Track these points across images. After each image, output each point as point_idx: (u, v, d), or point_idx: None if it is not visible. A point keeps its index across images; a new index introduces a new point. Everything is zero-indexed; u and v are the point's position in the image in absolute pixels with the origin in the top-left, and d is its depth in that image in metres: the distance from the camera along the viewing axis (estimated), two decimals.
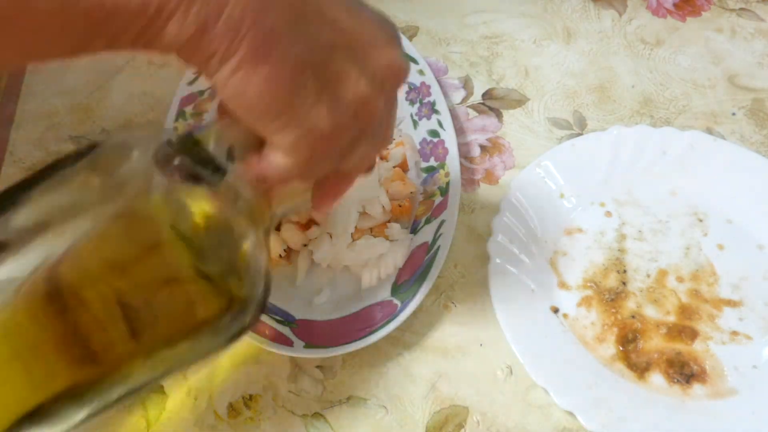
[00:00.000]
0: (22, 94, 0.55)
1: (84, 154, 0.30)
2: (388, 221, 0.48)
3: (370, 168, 0.35)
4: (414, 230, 0.47)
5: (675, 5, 0.62)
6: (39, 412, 0.28)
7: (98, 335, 0.28)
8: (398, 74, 0.31)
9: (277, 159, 0.29)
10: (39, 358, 0.28)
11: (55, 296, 0.27)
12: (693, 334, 0.44)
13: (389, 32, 0.30)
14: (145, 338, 0.29)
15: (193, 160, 0.30)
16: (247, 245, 0.31)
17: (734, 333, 0.44)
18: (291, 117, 0.28)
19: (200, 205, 0.30)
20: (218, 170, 0.30)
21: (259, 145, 0.30)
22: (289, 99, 0.27)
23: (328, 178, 0.34)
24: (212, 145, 0.30)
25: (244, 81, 0.26)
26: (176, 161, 0.29)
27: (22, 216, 0.28)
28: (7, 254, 0.27)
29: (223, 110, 0.32)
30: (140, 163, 0.29)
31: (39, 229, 0.27)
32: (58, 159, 0.30)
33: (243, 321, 0.32)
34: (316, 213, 0.36)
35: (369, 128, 0.31)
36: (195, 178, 0.30)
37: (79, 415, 0.29)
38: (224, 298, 0.31)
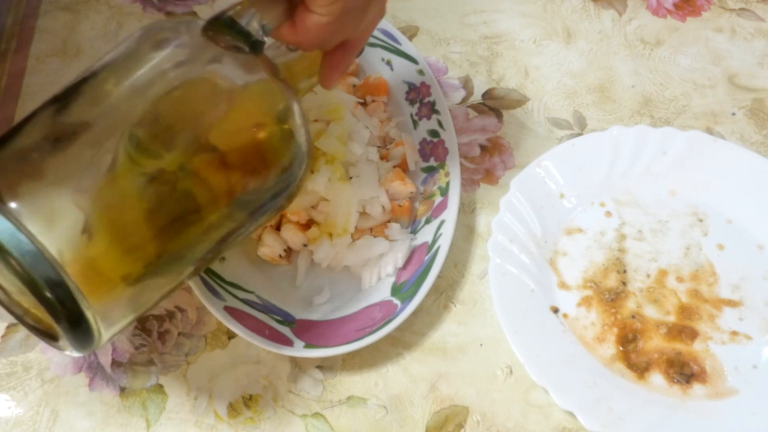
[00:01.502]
0: (22, 94, 0.55)
1: (134, 39, 0.34)
2: (388, 221, 0.48)
3: (362, 48, 0.39)
4: (414, 230, 0.47)
5: (675, 5, 0.62)
6: (159, 263, 0.32)
7: (193, 187, 0.33)
8: None
9: (312, 18, 0.33)
10: (153, 218, 0.31)
11: (149, 154, 0.31)
12: (693, 334, 0.44)
13: None
14: (234, 181, 0.34)
15: (232, 36, 0.34)
16: (293, 107, 0.36)
17: (734, 333, 0.44)
18: None
19: (251, 73, 0.35)
20: (255, 46, 0.34)
21: (288, 18, 0.34)
22: None
23: (336, 50, 0.38)
24: (247, 21, 0.34)
25: None
26: (220, 38, 0.34)
27: (99, 94, 0.32)
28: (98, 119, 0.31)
29: None
30: (193, 36, 0.34)
31: (119, 99, 0.32)
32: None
33: (301, 167, 0.36)
34: (325, 85, 0.40)
35: None
36: (238, 50, 0.34)
37: (189, 267, 0.34)
38: (288, 145, 0.35)
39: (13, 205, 0.28)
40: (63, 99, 0.32)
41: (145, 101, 0.32)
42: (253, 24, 0.34)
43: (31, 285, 0.28)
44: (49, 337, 0.32)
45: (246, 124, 0.34)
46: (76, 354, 0.33)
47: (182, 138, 0.32)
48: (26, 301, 0.32)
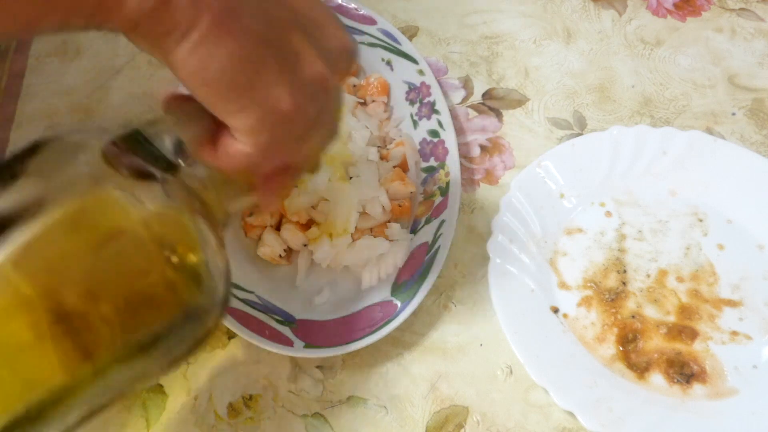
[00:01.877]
0: (22, 94, 0.55)
1: (25, 155, 0.28)
2: (388, 221, 0.48)
3: (315, 167, 0.34)
4: (414, 230, 0.47)
5: (675, 5, 0.62)
6: (29, 416, 0.26)
7: (65, 339, 0.27)
8: (350, 54, 0.31)
9: (234, 145, 0.28)
10: (24, 358, 0.26)
11: (19, 299, 0.26)
12: (693, 334, 0.44)
13: (334, 14, 0.31)
14: (111, 343, 0.28)
15: (142, 157, 0.29)
16: (206, 245, 0.30)
17: (734, 333, 0.44)
18: (252, 97, 0.27)
19: (154, 204, 0.29)
20: (170, 167, 0.29)
21: (208, 138, 0.29)
22: (251, 77, 0.26)
23: (275, 174, 0.32)
24: (161, 141, 0.29)
25: (206, 56, 0.25)
26: (126, 159, 0.28)
27: None
28: None
29: (168, 105, 0.31)
30: (89, 163, 0.28)
31: None
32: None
33: (206, 324, 0.31)
34: (264, 208, 0.35)
35: (324, 111, 0.30)
36: (146, 176, 0.29)
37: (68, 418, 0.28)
38: (185, 300, 0.29)
39: None
40: None
41: (23, 234, 0.26)
42: (168, 142, 0.29)
43: None
44: None
45: (139, 266, 0.28)
46: None
47: (64, 280, 0.27)
48: None
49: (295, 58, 0.28)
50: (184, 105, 0.30)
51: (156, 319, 0.29)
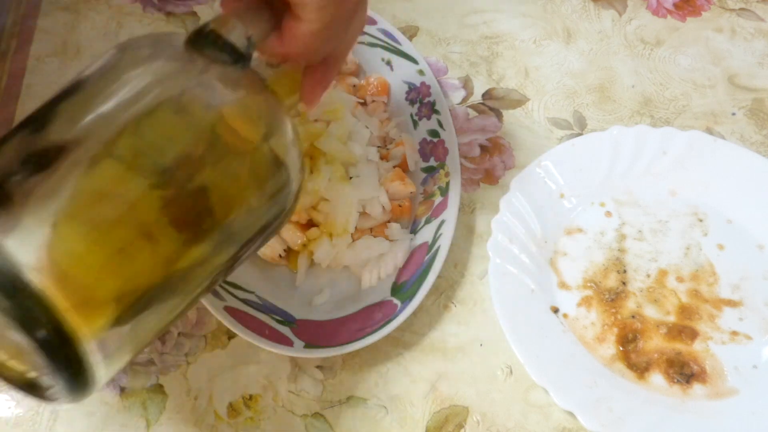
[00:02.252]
0: (22, 94, 0.55)
1: (114, 55, 0.32)
2: (388, 221, 0.48)
3: (350, 49, 0.38)
4: (414, 230, 0.47)
5: (675, 5, 0.62)
6: (155, 286, 0.29)
7: (180, 212, 0.30)
8: None
9: (299, 27, 0.32)
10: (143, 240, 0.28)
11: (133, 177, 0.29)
12: (693, 334, 0.44)
13: None
14: (224, 202, 0.31)
15: (217, 50, 0.32)
16: (285, 128, 0.34)
17: (734, 333, 0.44)
18: None
19: (238, 88, 0.32)
20: (241, 58, 0.32)
21: (272, 29, 0.33)
22: None
23: (318, 65, 0.37)
24: (231, 36, 0.32)
25: None
26: (205, 51, 0.32)
27: (73, 118, 0.29)
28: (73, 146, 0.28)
29: (229, 4, 0.34)
30: (174, 56, 0.32)
31: (97, 121, 0.29)
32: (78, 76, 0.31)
33: (292, 187, 0.34)
34: (307, 102, 0.38)
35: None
36: (225, 64, 0.32)
37: (186, 293, 0.31)
38: (279, 164, 0.33)
39: None
40: (38, 119, 0.30)
41: (127, 120, 0.29)
42: (238, 36, 0.32)
43: (15, 318, 0.24)
44: (35, 389, 0.28)
45: (235, 141, 0.32)
46: (68, 403, 0.30)
47: (167, 159, 0.29)
48: (3, 351, 0.28)
49: None
50: (248, 4, 0.33)
51: (246, 199, 0.32)
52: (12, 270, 0.24)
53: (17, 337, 0.25)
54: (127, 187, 0.28)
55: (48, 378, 0.26)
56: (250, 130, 0.32)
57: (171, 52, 0.32)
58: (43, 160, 0.28)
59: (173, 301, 0.31)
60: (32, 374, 0.28)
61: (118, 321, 0.27)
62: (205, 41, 0.32)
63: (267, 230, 0.34)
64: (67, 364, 0.26)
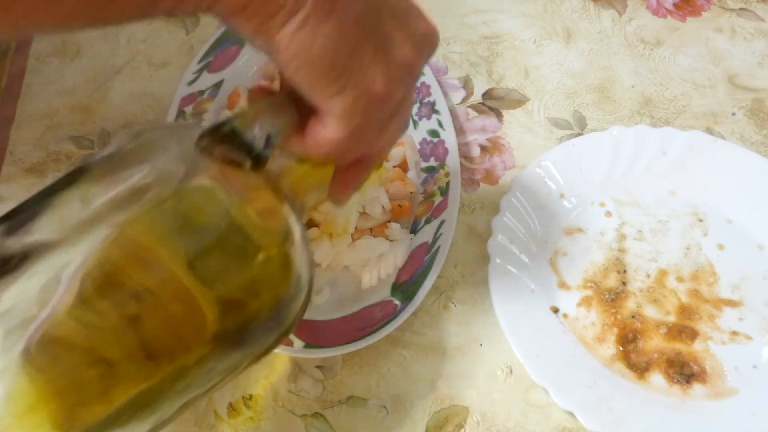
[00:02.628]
0: (22, 94, 0.55)
1: (105, 157, 0.30)
2: (388, 221, 0.48)
3: (384, 159, 0.35)
4: (414, 230, 0.47)
5: (675, 5, 0.62)
6: (109, 420, 0.27)
7: (158, 331, 0.28)
8: (434, 41, 0.31)
9: (323, 132, 0.29)
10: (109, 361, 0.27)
11: (110, 291, 0.27)
12: (693, 334, 0.44)
13: (418, 2, 0.31)
14: (208, 333, 0.29)
15: (232, 148, 0.30)
16: (295, 234, 0.31)
17: (734, 333, 0.44)
18: (349, 78, 0.27)
19: (247, 192, 0.30)
20: (258, 158, 0.30)
21: (295, 129, 0.30)
22: (350, 57, 0.27)
23: (351, 166, 0.34)
24: (250, 134, 0.30)
25: (309, 36, 0.26)
26: (218, 149, 0.30)
27: (68, 214, 0.27)
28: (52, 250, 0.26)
29: (254, 97, 0.32)
30: (185, 154, 0.30)
31: (86, 223, 0.27)
32: (74, 167, 0.29)
33: (294, 311, 0.32)
34: (336, 202, 0.36)
35: (407, 97, 0.31)
36: (237, 165, 0.30)
37: (145, 426, 0.29)
38: (277, 287, 0.31)
39: None
40: (18, 213, 0.28)
41: (122, 220, 0.27)
42: (257, 135, 0.29)
43: None
44: None
45: (239, 249, 0.30)
46: None
47: (163, 267, 0.28)
48: None
49: (388, 40, 0.29)
50: (270, 97, 0.31)
51: (249, 306, 0.30)
52: None
53: None
54: (107, 318, 0.26)
55: None
56: (257, 235, 0.30)
57: (177, 151, 0.30)
58: (19, 262, 0.26)
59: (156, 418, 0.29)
60: None
61: None
62: (221, 138, 0.30)
63: (265, 339, 0.32)
64: None
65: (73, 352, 0.26)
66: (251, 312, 0.30)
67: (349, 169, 0.34)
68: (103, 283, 0.26)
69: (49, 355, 0.25)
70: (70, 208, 0.27)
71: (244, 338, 0.31)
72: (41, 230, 0.27)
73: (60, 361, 0.26)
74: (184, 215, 0.29)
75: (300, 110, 0.30)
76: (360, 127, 0.29)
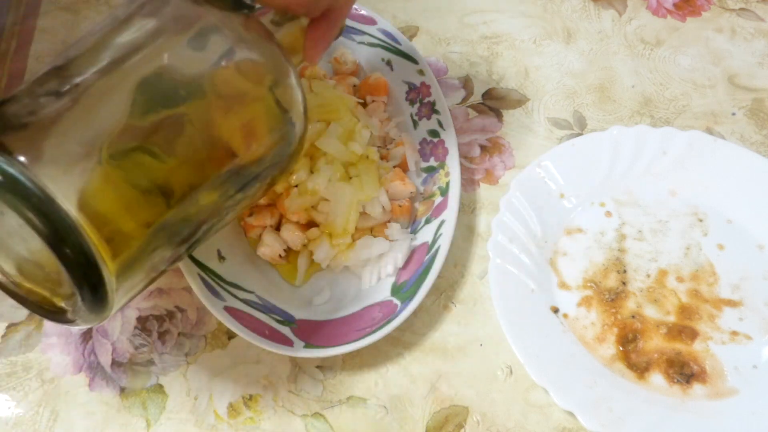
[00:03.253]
0: None
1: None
2: (388, 221, 0.48)
3: (348, 8, 0.40)
4: (414, 230, 0.47)
5: (675, 5, 0.62)
6: (169, 216, 0.32)
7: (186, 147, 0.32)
8: None
9: None
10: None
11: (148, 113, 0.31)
12: (693, 334, 0.44)
13: None
14: (234, 138, 0.34)
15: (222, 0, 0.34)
16: (290, 72, 0.36)
17: (734, 333, 0.44)
18: None
19: (245, 33, 0.35)
20: (246, 6, 0.35)
21: None
22: None
23: (320, 21, 0.39)
24: None
25: None
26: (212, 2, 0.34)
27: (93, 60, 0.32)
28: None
29: None
30: (182, 5, 0.34)
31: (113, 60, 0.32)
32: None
33: (299, 127, 0.37)
34: (310, 59, 0.40)
35: None
36: (231, 10, 0.34)
37: (197, 228, 0.34)
38: (286, 106, 0.36)
39: (22, 158, 0.27)
40: (64, 61, 0.33)
41: (146, 57, 0.32)
42: None
43: (48, 239, 0.27)
44: (54, 313, 0.32)
45: (245, 82, 0.35)
46: (83, 326, 0.34)
47: (184, 93, 0.33)
48: (29, 280, 0.32)
49: None
50: None
51: (263, 126, 0.35)
52: (48, 200, 0.27)
53: (51, 262, 0.28)
54: (146, 131, 0.31)
55: (70, 302, 0.30)
56: (256, 72, 0.35)
57: (178, 2, 0.34)
58: (71, 91, 0.31)
59: (185, 225, 0.34)
60: (56, 299, 0.31)
61: (137, 253, 0.31)
62: None
63: (274, 170, 0.37)
64: (92, 286, 0.29)
65: (137, 165, 0.31)
66: (262, 135, 0.35)
67: (320, 24, 0.39)
68: (150, 103, 0.32)
69: (125, 161, 0.30)
70: (104, 50, 0.32)
71: (258, 163, 0.36)
72: (85, 67, 0.32)
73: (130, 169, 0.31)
74: (196, 52, 0.33)
75: None
76: None
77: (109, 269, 0.29)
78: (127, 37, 0.33)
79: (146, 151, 0.31)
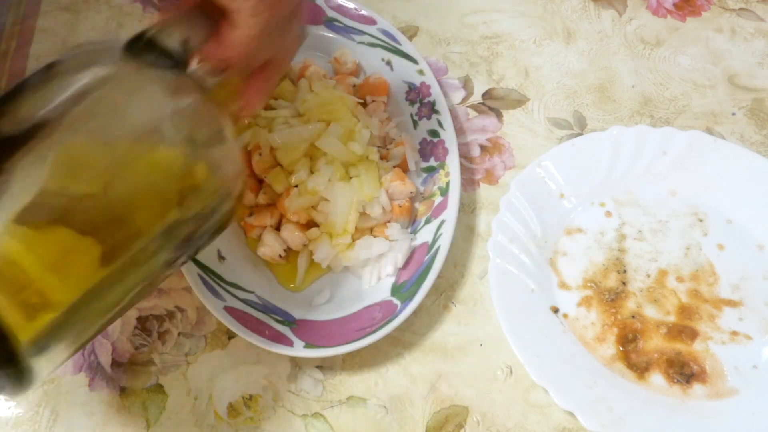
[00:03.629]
0: None
1: (52, 67, 0.32)
2: (388, 221, 0.48)
3: (291, 56, 0.39)
4: (414, 230, 0.47)
5: (675, 5, 0.62)
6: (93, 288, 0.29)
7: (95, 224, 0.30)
8: None
9: (235, 32, 0.33)
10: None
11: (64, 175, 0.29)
12: (693, 334, 0.44)
13: None
14: (143, 231, 0.31)
15: (155, 55, 0.32)
16: (222, 131, 0.34)
17: (734, 333, 0.44)
18: None
19: (174, 93, 0.33)
20: (178, 64, 0.33)
21: (208, 35, 0.34)
22: None
23: (260, 72, 0.37)
24: (169, 42, 0.33)
25: None
26: (142, 56, 0.32)
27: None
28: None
29: (168, 15, 0.35)
30: (111, 62, 0.32)
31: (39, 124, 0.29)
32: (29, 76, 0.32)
33: (224, 209, 0.35)
34: (250, 107, 0.39)
35: (302, 4, 0.36)
36: (162, 69, 0.32)
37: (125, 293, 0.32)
38: (206, 184, 0.33)
39: None
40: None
41: (66, 123, 0.30)
42: (174, 42, 0.33)
43: None
44: None
45: (173, 146, 0.32)
46: (10, 396, 0.31)
47: (103, 160, 0.30)
48: None
49: None
50: (184, 12, 0.34)
51: (179, 206, 0.32)
52: None
53: None
54: (64, 193, 0.29)
55: None
56: (180, 133, 0.32)
57: (109, 58, 0.32)
58: None
59: (111, 299, 0.31)
60: None
61: (56, 320, 0.28)
62: (143, 47, 0.32)
63: (204, 231, 0.35)
64: (5, 360, 0.26)
65: (56, 226, 0.28)
66: (185, 206, 0.33)
67: (260, 75, 0.37)
68: (72, 166, 0.29)
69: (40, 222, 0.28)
70: (24, 112, 0.30)
71: (180, 232, 0.33)
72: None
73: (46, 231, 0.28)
74: (114, 118, 0.31)
75: (211, 19, 0.34)
76: (266, 26, 0.33)
77: (21, 342, 0.27)
78: (48, 98, 0.30)
79: (62, 222, 0.28)
